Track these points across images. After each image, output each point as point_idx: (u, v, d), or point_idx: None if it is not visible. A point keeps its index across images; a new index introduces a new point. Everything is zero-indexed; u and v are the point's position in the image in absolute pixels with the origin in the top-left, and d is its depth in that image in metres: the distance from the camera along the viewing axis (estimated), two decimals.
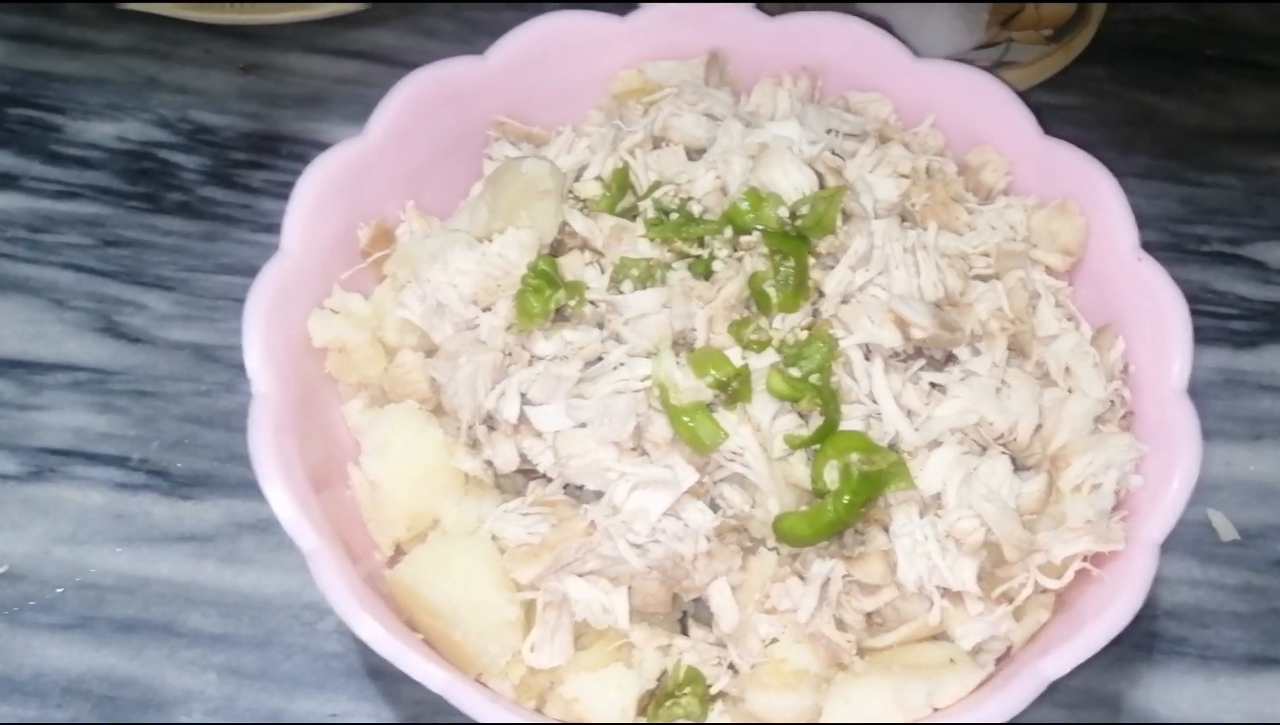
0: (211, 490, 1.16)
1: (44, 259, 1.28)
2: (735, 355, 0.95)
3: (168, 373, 1.22)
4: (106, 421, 1.19)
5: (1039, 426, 0.97)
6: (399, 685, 1.07)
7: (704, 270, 0.98)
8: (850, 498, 0.89)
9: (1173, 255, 1.31)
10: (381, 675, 1.07)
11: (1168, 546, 0.94)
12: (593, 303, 0.99)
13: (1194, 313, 1.01)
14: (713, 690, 0.93)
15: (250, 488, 1.15)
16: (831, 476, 0.91)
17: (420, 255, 1.03)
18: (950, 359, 0.99)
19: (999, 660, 0.95)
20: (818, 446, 0.92)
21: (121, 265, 1.28)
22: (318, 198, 1.04)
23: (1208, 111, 1.44)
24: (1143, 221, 1.06)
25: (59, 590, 1.11)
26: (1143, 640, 1.11)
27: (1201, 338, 1.22)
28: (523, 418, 0.96)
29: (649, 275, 0.99)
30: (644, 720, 0.93)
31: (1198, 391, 0.99)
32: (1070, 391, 0.99)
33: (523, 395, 0.96)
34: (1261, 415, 1.24)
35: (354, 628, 0.87)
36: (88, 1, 1.42)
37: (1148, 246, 1.05)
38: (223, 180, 1.34)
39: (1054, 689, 0.87)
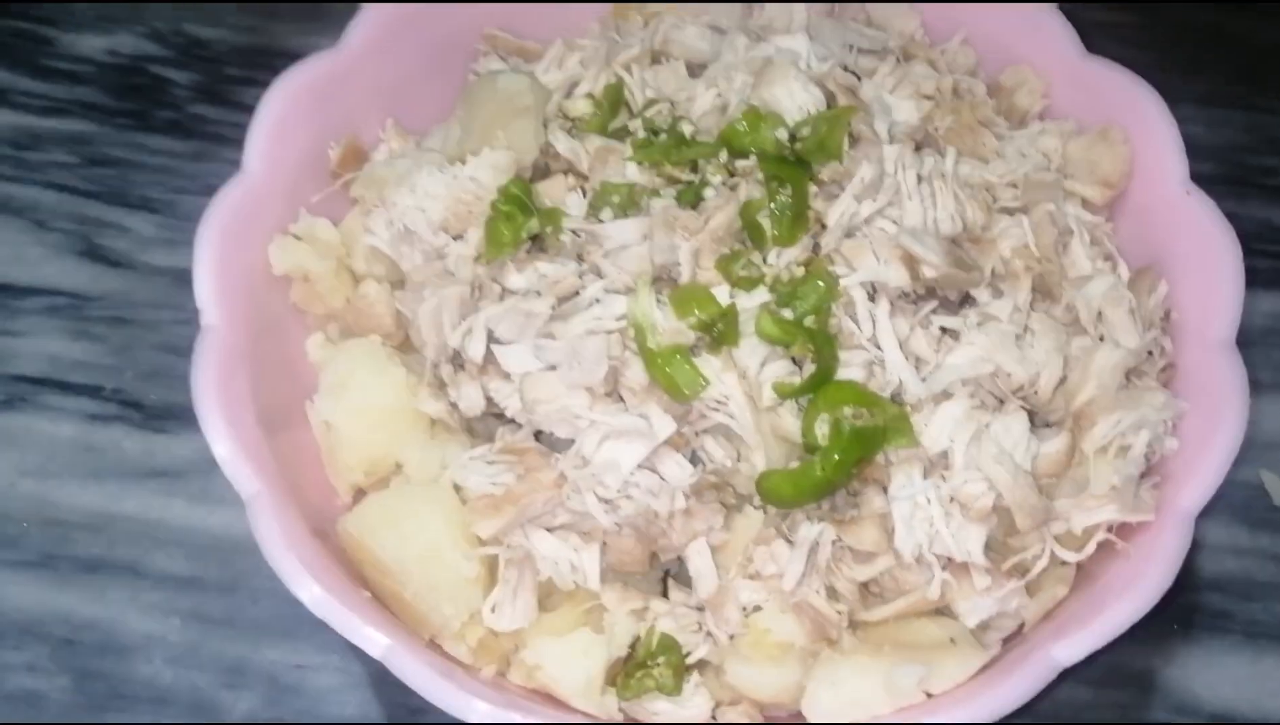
0: (185, 424, 1.08)
1: (27, 177, 1.22)
2: (723, 293, 0.86)
3: (147, 299, 1.16)
4: (81, 349, 1.14)
5: (1063, 379, 0.86)
6: None
7: (692, 198, 0.89)
8: (840, 456, 0.80)
9: (1234, 189, 1.18)
10: None
11: (1213, 510, 0.84)
12: (573, 233, 0.90)
13: (1255, 252, 0.90)
14: (691, 659, 0.86)
15: None
16: (823, 430, 0.82)
17: (387, 177, 0.95)
18: (967, 301, 0.90)
19: (1009, 639, 0.86)
20: (810, 396, 0.83)
21: (106, 185, 1.22)
22: (285, 114, 0.97)
23: None
24: (1203, 151, 0.95)
25: (24, 525, 1.06)
26: (1181, 613, 1.02)
27: (1261, 280, 1.12)
28: (489, 357, 0.87)
29: (631, 202, 0.90)
30: (613, 691, 0.85)
31: (1255, 340, 0.89)
32: (1102, 340, 0.89)
33: (490, 332, 0.88)
34: None
35: (289, 584, 0.80)
36: None
37: (1206, 179, 0.94)
38: (214, 97, 1.27)
39: (1081, 663, 0.78)
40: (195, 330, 1.11)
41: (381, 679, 0.98)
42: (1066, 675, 0.79)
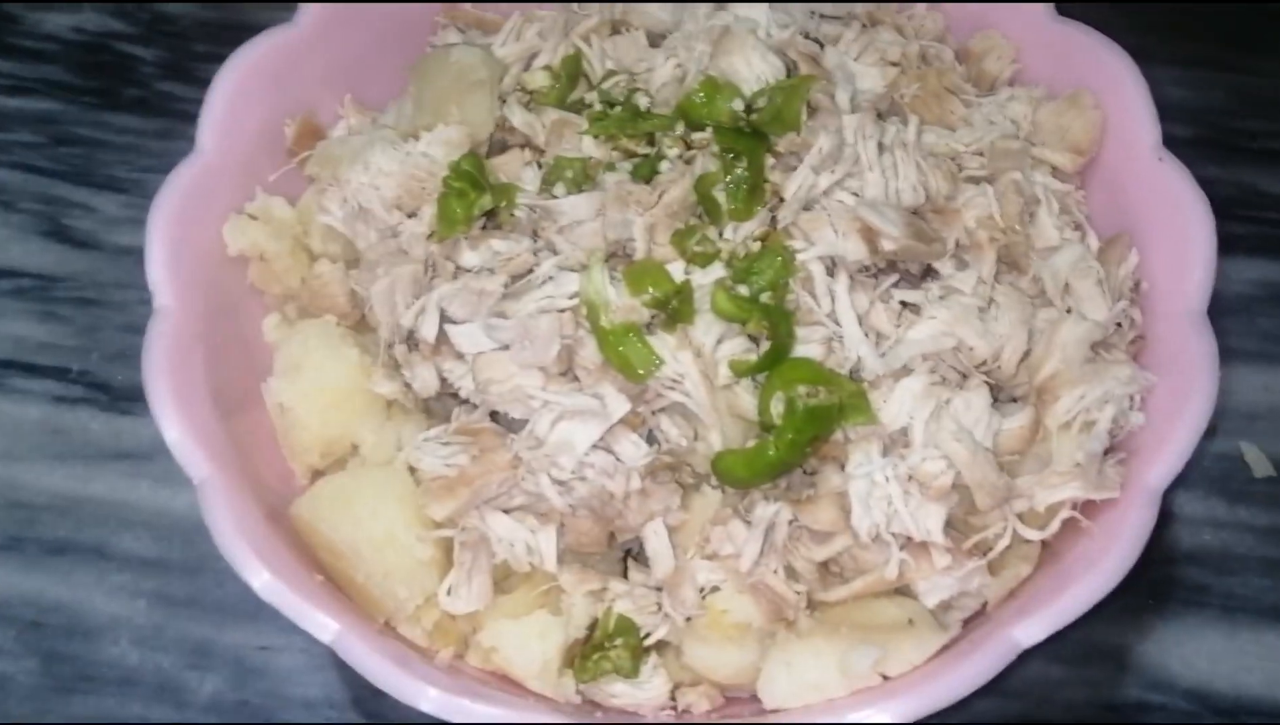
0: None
1: None
2: (677, 270, 0.84)
3: (113, 279, 1.15)
4: (47, 330, 1.13)
5: (1028, 352, 0.84)
6: None
7: (647, 172, 0.87)
8: (794, 435, 0.79)
9: (1217, 152, 1.15)
10: None
11: (1190, 482, 0.82)
12: (529, 209, 0.88)
13: (1237, 218, 0.88)
14: (651, 640, 0.84)
15: None
16: (778, 409, 0.80)
17: (341, 155, 0.93)
18: (929, 274, 0.87)
19: (972, 619, 0.84)
20: (766, 374, 0.81)
21: (72, 165, 1.21)
22: (239, 91, 0.95)
23: None
24: (1184, 114, 0.93)
25: None
26: (1157, 588, 1.00)
27: (1244, 247, 1.09)
28: (442, 337, 0.86)
29: (585, 177, 0.88)
30: (570, 674, 0.84)
31: (1237, 308, 0.87)
32: (1069, 312, 0.87)
33: (442, 312, 0.86)
34: None
35: (239, 570, 0.79)
36: None
37: (1186, 142, 0.92)
38: (181, 74, 1.25)
39: (1052, 640, 0.77)
40: None
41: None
42: (1037, 652, 0.78)
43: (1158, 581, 1.00)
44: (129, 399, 1.10)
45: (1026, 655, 0.77)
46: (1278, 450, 1.05)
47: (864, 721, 0.74)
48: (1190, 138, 0.93)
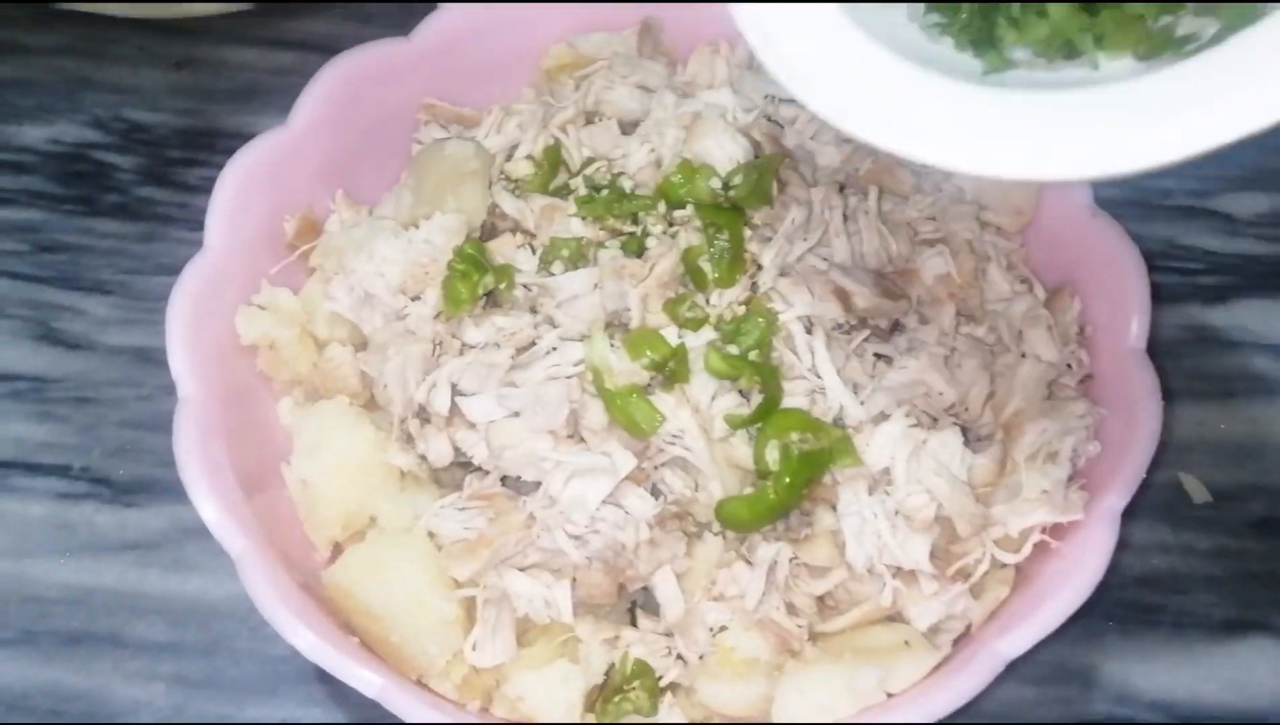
0: (155, 496, 1.13)
1: None
2: (671, 334, 0.92)
3: (107, 378, 1.19)
4: (46, 431, 1.16)
5: (991, 394, 0.93)
6: (348, 688, 1.03)
7: (636, 248, 0.95)
8: (790, 479, 0.86)
9: (1136, 210, 1.26)
10: (331, 679, 1.02)
11: (1138, 512, 0.90)
12: (525, 287, 0.95)
13: (1160, 269, 0.97)
14: (663, 682, 0.90)
15: None
16: (774, 456, 0.88)
17: (346, 245, 0.99)
18: (897, 328, 0.96)
19: (958, 640, 0.92)
20: (759, 426, 0.89)
21: (58, 270, 1.25)
22: (240, 191, 1.01)
23: None
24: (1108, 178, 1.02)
25: (1, 605, 1.08)
26: (1115, 610, 1.08)
27: (1168, 294, 1.18)
28: (455, 409, 0.93)
29: (580, 255, 0.95)
30: (592, 717, 0.90)
31: (1165, 350, 0.95)
32: (1024, 356, 0.96)
33: (453, 386, 0.93)
34: (1232, 372, 1.20)
35: (283, 634, 0.84)
36: (15, 1, 1.38)
37: (1110, 202, 1.01)
38: (159, 179, 1.30)
39: (1022, 663, 0.84)
40: (159, 406, 1.16)
41: None
42: (1010, 676, 0.85)
43: (1115, 604, 1.08)
44: (132, 492, 1.13)
45: (1003, 677, 0.85)
46: (1213, 478, 1.14)
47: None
48: (1112, 198, 1.03)
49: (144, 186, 1.30)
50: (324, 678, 1.04)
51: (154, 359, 1.19)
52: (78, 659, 1.06)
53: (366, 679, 0.83)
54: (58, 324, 1.22)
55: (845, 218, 0.96)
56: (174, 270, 1.23)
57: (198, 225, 1.25)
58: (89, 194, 1.29)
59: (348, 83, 1.06)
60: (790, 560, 0.89)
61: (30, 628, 1.07)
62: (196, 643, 1.06)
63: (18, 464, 1.15)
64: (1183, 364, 1.19)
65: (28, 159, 1.31)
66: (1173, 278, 1.23)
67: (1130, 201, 1.28)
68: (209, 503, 0.88)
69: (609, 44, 1.11)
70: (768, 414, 0.89)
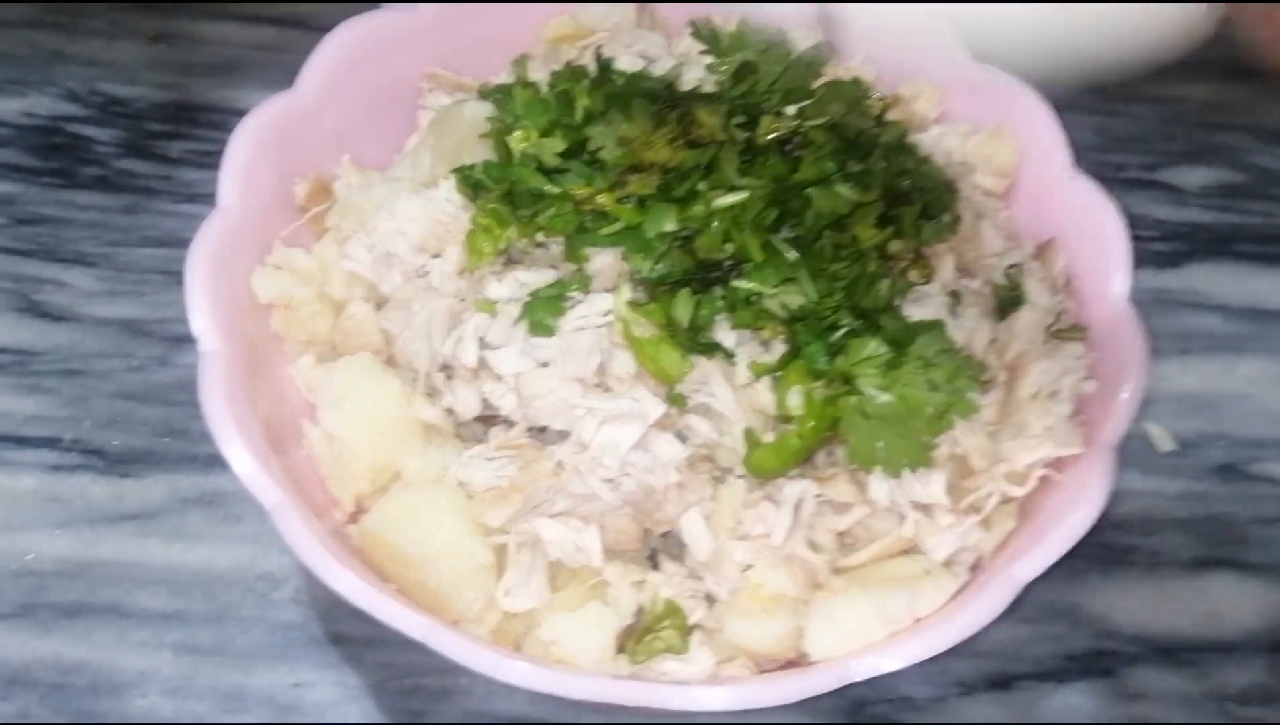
0: (151, 467, 1.12)
1: None
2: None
3: (96, 350, 1.18)
4: (34, 403, 1.15)
5: (993, 340, 0.98)
6: (363, 650, 1.04)
7: None
8: (815, 423, 0.90)
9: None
10: (344, 641, 1.05)
11: None
12: (543, 244, 0.97)
13: None
14: (692, 620, 0.93)
15: (193, 462, 1.13)
16: (795, 402, 0.91)
17: (366, 205, 1.00)
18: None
19: (971, 570, 0.96)
20: (781, 372, 0.92)
21: (38, 243, 1.23)
22: (252, 153, 1.01)
23: None
24: None
25: None
26: (1095, 552, 1.14)
27: None
28: (481, 362, 0.94)
29: None
30: (624, 658, 0.92)
31: None
32: (1023, 304, 1.01)
33: (480, 339, 0.94)
34: (1188, 330, 1.28)
35: (327, 580, 0.85)
36: None
37: None
38: (140, 152, 1.29)
39: (1016, 604, 0.89)
40: (151, 377, 1.17)
41: (380, 687, 1.03)
42: (1009, 613, 0.90)
43: (1095, 546, 1.13)
44: (127, 462, 1.12)
45: (1001, 617, 0.89)
46: (1176, 428, 1.21)
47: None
48: None
49: (124, 159, 1.29)
50: (337, 641, 1.05)
51: (143, 330, 1.19)
52: (79, 630, 1.04)
53: (413, 621, 0.84)
54: (40, 296, 1.20)
55: None
56: (160, 242, 1.24)
57: (183, 197, 1.27)
58: (67, 166, 1.28)
59: (354, 49, 1.07)
60: (815, 497, 0.92)
61: (27, 601, 1.05)
62: (202, 611, 1.06)
63: (6, 438, 1.13)
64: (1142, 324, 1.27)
65: (1, 132, 1.29)
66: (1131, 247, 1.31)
67: (1088, 174, 1.35)
68: (244, 455, 0.88)
69: (609, 15, 1.14)
70: (790, 362, 0.92)
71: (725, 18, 1.15)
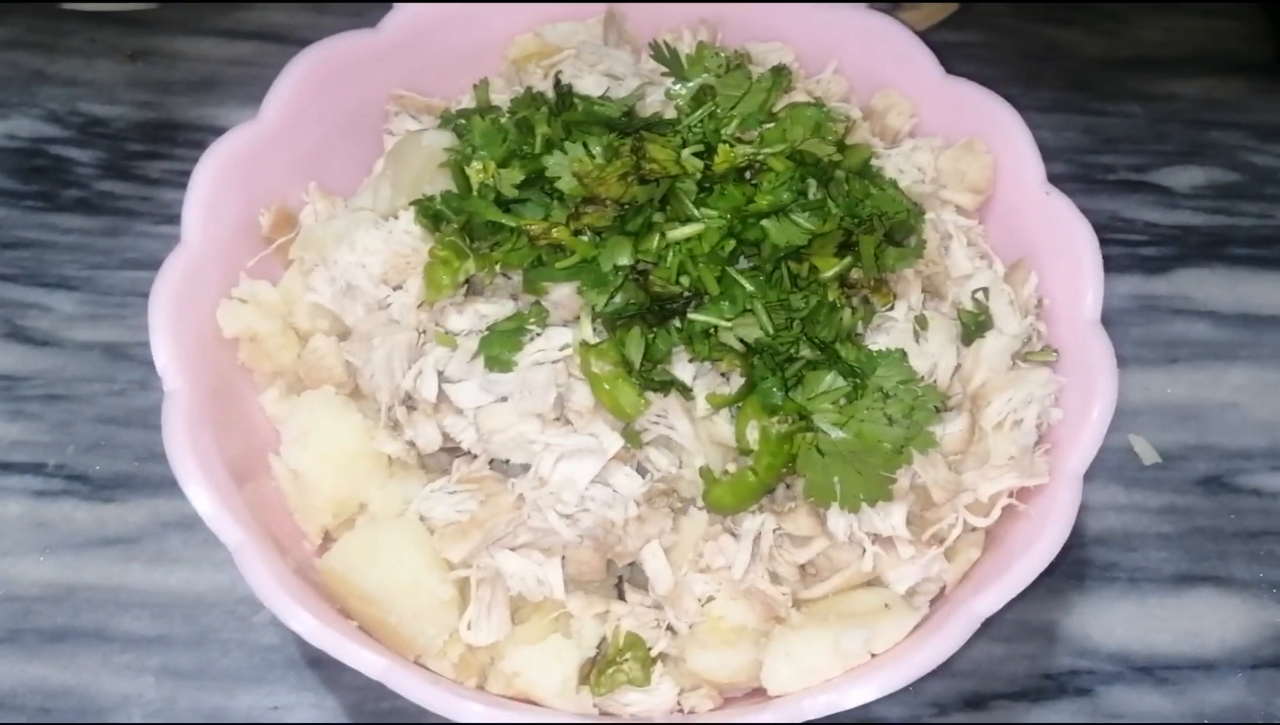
0: (133, 491, 1.14)
1: None
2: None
3: (79, 374, 1.19)
4: (19, 429, 1.16)
5: (958, 367, 0.97)
6: (339, 673, 1.05)
7: None
8: (770, 459, 0.89)
9: (1081, 186, 1.32)
10: (321, 664, 1.06)
11: (1092, 474, 0.95)
12: (504, 275, 0.97)
13: (1104, 241, 1.02)
14: (653, 653, 0.93)
15: (174, 486, 1.12)
16: (754, 436, 0.90)
17: (326, 237, 1.00)
18: (866, 305, 0.99)
19: (933, 601, 0.96)
20: (739, 405, 0.92)
21: (21, 267, 1.24)
22: (215, 185, 1.02)
23: (1108, 41, 1.45)
24: (1050, 154, 1.07)
25: None
26: (1073, 568, 1.13)
27: (1113, 266, 1.23)
28: (442, 396, 0.94)
29: None
30: (586, 689, 0.92)
31: (1112, 319, 1.00)
32: (988, 330, 1.00)
33: (440, 373, 0.95)
34: (1176, 339, 1.26)
35: (285, 620, 0.86)
36: None
37: (1056, 179, 1.06)
38: (120, 173, 1.30)
39: (990, 623, 0.89)
40: (133, 401, 1.17)
41: (358, 709, 1.05)
42: (982, 633, 0.90)
43: (1074, 562, 1.13)
44: (110, 487, 1.14)
45: (975, 637, 0.89)
46: (1160, 440, 1.20)
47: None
48: (1059, 174, 1.07)
49: (105, 180, 1.30)
50: (315, 664, 1.06)
51: (125, 354, 1.20)
52: (64, 655, 1.06)
53: (369, 661, 0.85)
54: (23, 321, 1.22)
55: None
56: (141, 264, 1.24)
57: (163, 218, 1.27)
58: (49, 189, 1.29)
59: (317, 75, 1.07)
60: (774, 531, 0.92)
61: (13, 626, 1.07)
62: (184, 635, 1.08)
63: None
64: (1130, 332, 1.25)
65: None
66: (1118, 250, 1.29)
67: (1075, 177, 1.34)
68: (203, 496, 0.89)
69: (575, 33, 1.13)
70: (747, 395, 0.91)
71: (694, 30, 1.15)
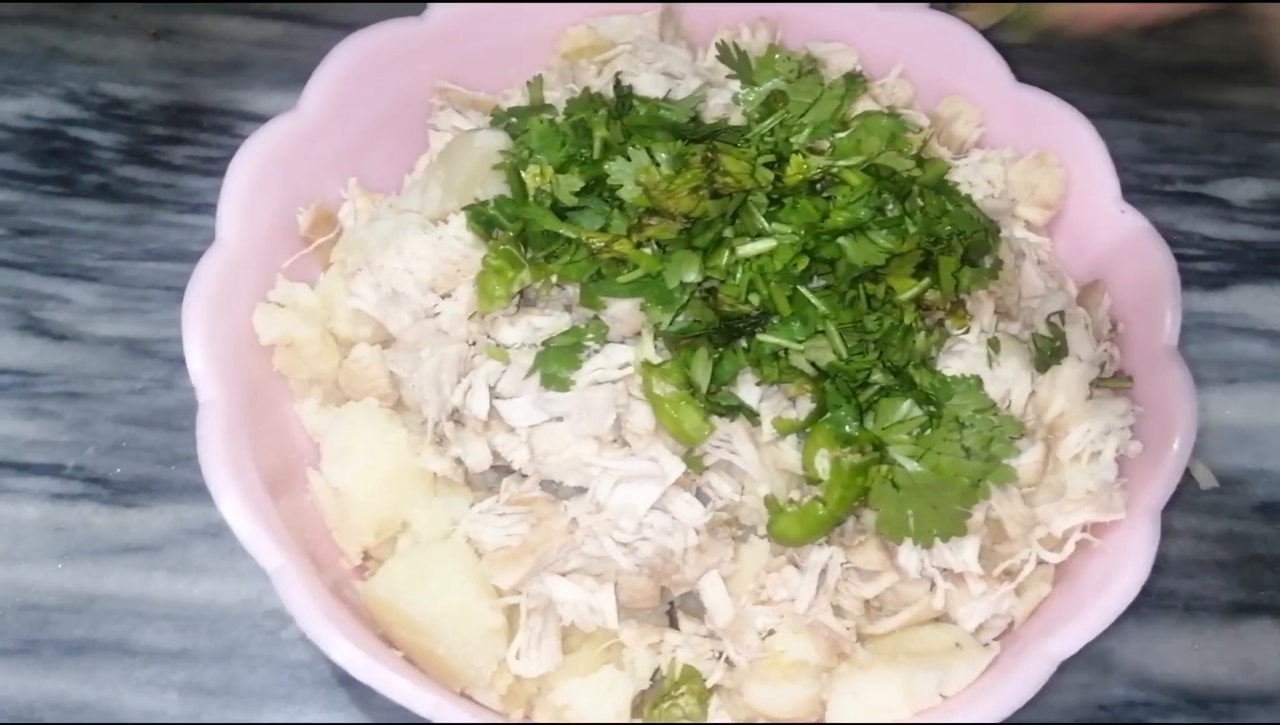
0: (156, 496, 1.09)
1: None
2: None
3: (98, 371, 1.14)
4: (36, 427, 1.11)
5: (1032, 393, 0.93)
6: (370, 693, 1.00)
7: None
8: (842, 492, 0.85)
9: (1138, 197, 1.25)
10: (352, 682, 1.00)
11: None
12: (558, 285, 0.93)
13: None
14: (708, 684, 0.89)
15: (198, 491, 1.08)
16: (824, 466, 0.86)
17: (371, 240, 0.95)
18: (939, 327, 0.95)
19: (1000, 636, 0.92)
20: (808, 431, 0.88)
21: (39, 256, 1.19)
22: (253, 180, 0.97)
23: (1165, 46, 1.40)
24: None
25: None
26: None
27: None
28: (493, 412, 0.90)
29: None
30: (639, 722, 0.89)
31: None
32: (1065, 356, 0.96)
33: (491, 388, 0.90)
34: (1234, 358, 1.22)
35: (328, 652, 0.82)
36: None
37: None
38: (142, 158, 1.24)
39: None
40: (155, 400, 1.13)
41: None
42: None
43: None
44: (131, 491, 1.08)
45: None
46: (1218, 464, 1.16)
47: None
48: None
49: (126, 166, 1.24)
50: (345, 682, 1.02)
51: (147, 350, 1.15)
52: (83, 669, 1.02)
53: (420, 699, 0.81)
54: (41, 313, 1.16)
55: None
56: (164, 256, 1.19)
57: (187, 207, 1.22)
58: (68, 173, 1.23)
59: (360, 65, 1.01)
60: (841, 565, 0.88)
61: (30, 637, 1.03)
62: (209, 649, 1.03)
63: (7, 464, 1.09)
64: (1187, 351, 1.19)
65: None
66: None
67: (1131, 187, 1.27)
68: (241, 514, 0.84)
69: (630, 27, 1.08)
70: (816, 421, 0.87)
71: (754, 28, 1.10)
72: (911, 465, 0.84)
